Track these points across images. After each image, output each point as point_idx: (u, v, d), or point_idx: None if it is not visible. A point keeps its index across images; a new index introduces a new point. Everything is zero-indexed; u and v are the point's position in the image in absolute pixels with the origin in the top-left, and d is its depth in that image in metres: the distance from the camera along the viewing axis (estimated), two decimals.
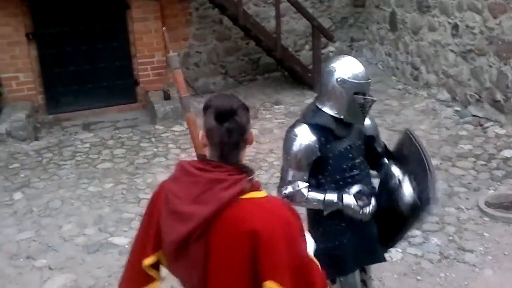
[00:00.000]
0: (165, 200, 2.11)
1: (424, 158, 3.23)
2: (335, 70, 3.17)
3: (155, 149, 7.47)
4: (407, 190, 3.25)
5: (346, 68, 3.16)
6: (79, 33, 8.78)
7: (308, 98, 8.74)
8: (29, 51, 8.68)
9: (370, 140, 3.43)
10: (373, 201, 3.35)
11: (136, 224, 5.49)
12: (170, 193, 2.10)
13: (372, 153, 3.48)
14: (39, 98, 8.83)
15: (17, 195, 6.33)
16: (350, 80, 3.12)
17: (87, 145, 7.74)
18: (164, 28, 3.89)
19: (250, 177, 2.08)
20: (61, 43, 8.74)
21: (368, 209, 3.31)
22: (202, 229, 1.99)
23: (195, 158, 2.25)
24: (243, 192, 2.02)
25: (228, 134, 2.03)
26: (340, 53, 10.17)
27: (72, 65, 8.84)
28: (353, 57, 3.38)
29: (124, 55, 9.05)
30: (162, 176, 6.44)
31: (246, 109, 2.11)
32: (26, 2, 8.55)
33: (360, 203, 3.27)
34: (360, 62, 3.25)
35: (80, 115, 8.72)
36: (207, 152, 2.15)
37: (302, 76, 9.52)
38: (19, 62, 8.61)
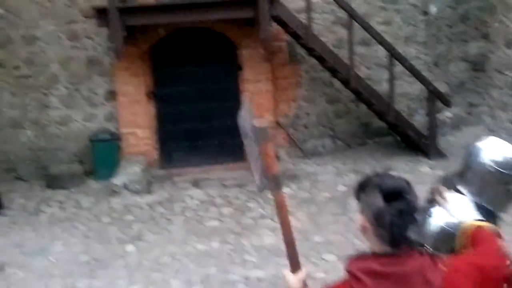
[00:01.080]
0: None
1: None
2: (485, 154, 2.85)
3: (262, 211, 7.43)
4: None
5: (498, 154, 2.84)
6: (194, 93, 9.18)
7: (423, 166, 8.41)
8: (148, 108, 9.16)
9: None
10: None
11: (241, 287, 5.44)
12: None
13: None
14: (154, 153, 9.22)
15: (130, 247, 6.51)
16: (504, 171, 2.78)
17: (196, 201, 7.87)
18: (246, 94, 3.80)
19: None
20: (177, 102, 9.16)
21: None
22: None
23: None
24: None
25: (399, 215, 1.87)
26: (458, 119, 9.76)
27: (186, 123, 9.21)
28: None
29: (235, 115, 9.24)
30: (269, 239, 6.38)
31: (411, 186, 1.96)
32: (148, 64, 9.11)
33: None
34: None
35: (190, 171, 8.94)
36: (367, 239, 1.96)
37: (416, 142, 9.17)
38: (138, 119, 9.11)
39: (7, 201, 8.16)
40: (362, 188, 1.95)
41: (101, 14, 8.25)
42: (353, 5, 8.81)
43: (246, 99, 3.19)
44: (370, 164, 8.82)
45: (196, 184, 8.53)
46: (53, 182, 8.80)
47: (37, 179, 9.21)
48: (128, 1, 8.82)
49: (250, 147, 2.65)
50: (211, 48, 9.23)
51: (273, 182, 2.35)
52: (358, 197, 1.96)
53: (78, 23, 9.16)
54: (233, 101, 9.20)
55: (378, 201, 1.87)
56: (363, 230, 1.95)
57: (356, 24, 8.62)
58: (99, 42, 9.20)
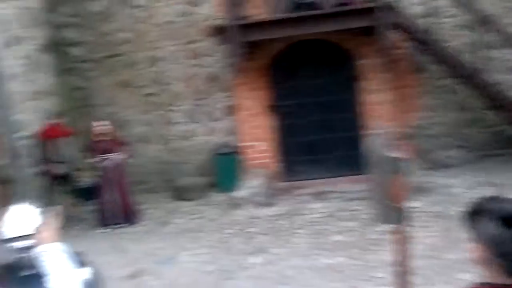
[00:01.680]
0: None
1: None
2: None
3: (388, 225, 7.11)
4: None
5: None
6: (313, 105, 9.11)
7: None
8: (268, 121, 9.24)
9: None
10: None
11: None
12: None
13: None
14: (275, 166, 9.26)
15: (254, 259, 6.51)
16: None
17: (318, 215, 7.75)
18: (379, 121, 3.61)
19: None
20: (297, 114, 9.15)
21: None
22: None
23: None
24: None
25: None
26: None
27: (306, 135, 9.16)
28: None
29: (355, 126, 9.07)
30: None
31: None
32: (267, 77, 9.21)
33: None
34: None
35: (311, 184, 8.86)
36: (482, 269, 1.78)
37: None
38: (259, 132, 9.23)
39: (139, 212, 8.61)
40: (476, 214, 1.77)
41: (220, 32, 8.49)
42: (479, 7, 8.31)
43: (379, 126, 3.04)
44: (508, 177, 8.14)
45: (318, 197, 8.42)
46: (179, 194, 9.17)
47: (165, 191, 9.65)
48: (245, 17, 8.99)
49: (378, 175, 2.52)
50: (327, 59, 9.14)
51: (397, 215, 2.19)
52: (471, 224, 1.77)
53: (197, 42, 9.52)
54: (352, 112, 9.06)
55: (496, 228, 1.68)
56: (478, 260, 1.76)
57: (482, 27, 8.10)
58: (218, 59, 9.47)
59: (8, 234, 2.62)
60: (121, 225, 8.17)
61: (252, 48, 8.70)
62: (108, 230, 8.13)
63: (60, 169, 8.51)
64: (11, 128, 5.91)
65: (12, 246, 2.61)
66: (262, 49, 9.07)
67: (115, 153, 8.32)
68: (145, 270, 6.56)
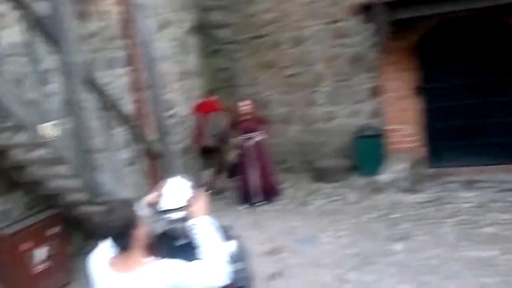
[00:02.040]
0: None
1: None
2: None
3: None
4: None
5: None
6: (467, 87, 8.51)
7: None
8: (415, 104, 8.84)
9: None
10: None
11: None
12: None
13: None
14: (421, 151, 8.86)
15: (397, 246, 6.31)
16: None
17: (469, 205, 7.29)
18: None
19: None
20: (448, 97, 8.63)
21: None
22: None
23: None
24: None
25: None
26: None
27: (457, 119, 8.62)
28: None
29: None
30: None
31: None
32: (415, 57, 8.77)
33: None
34: None
35: (462, 171, 8.33)
36: None
37: None
38: (405, 115, 8.86)
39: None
40: None
41: (365, 10, 8.22)
42: None
43: None
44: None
45: (469, 185, 7.90)
46: (319, 175, 9.15)
47: (304, 172, 9.70)
48: None
49: None
50: (485, 38, 8.45)
51: None
52: None
53: (342, 21, 9.30)
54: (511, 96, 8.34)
55: None
56: None
57: None
58: (364, 38, 9.20)
59: (163, 206, 2.75)
60: (261, 202, 8.34)
61: (399, 27, 8.28)
62: (249, 206, 8.35)
63: (211, 143, 8.92)
64: (161, 106, 6.25)
65: (167, 217, 2.73)
66: (410, 28, 8.60)
67: (257, 133, 8.48)
68: (285, 248, 6.65)
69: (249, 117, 8.50)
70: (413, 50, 8.82)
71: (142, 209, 2.59)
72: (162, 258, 2.62)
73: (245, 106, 8.52)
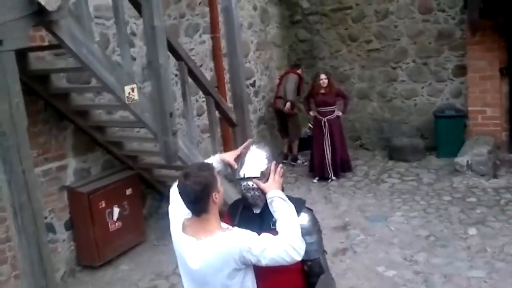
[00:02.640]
0: None
1: None
2: None
3: None
4: None
5: None
6: None
7: None
8: (500, 86, 8.43)
9: None
10: None
11: None
12: None
13: None
14: (503, 135, 8.48)
15: (472, 231, 6.12)
16: None
17: None
18: None
19: None
20: None
21: None
22: None
23: None
24: None
25: None
26: None
27: None
28: None
29: None
30: None
31: None
32: (504, 38, 8.31)
33: None
34: None
35: None
36: None
37: None
38: (488, 96, 8.47)
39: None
40: None
41: None
42: None
43: None
44: None
45: None
46: (395, 153, 8.96)
47: (379, 149, 9.57)
48: None
49: None
50: None
51: None
52: None
53: None
54: None
55: None
56: None
57: None
58: (452, 14, 8.83)
59: (241, 173, 2.78)
60: (334, 178, 8.29)
61: (491, 4, 7.87)
62: (321, 181, 8.32)
63: (282, 106, 8.94)
64: (240, 75, 6.29)
65: (244, 185, 2.76)
66: (503, 5, 8.15)
67: (334, 106, 8.39)
68: (356, 224, 6.62)
69: (327, 90, 8.35)
70: (501, 30, 8.35)
71: (220, 173, 2.60)
72: (237, 226, 2.65)
73: (324, 79, 8.37)
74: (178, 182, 2.56)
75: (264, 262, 2.47)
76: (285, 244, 2.49)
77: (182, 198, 2.54)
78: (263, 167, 2.76)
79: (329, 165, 8.30)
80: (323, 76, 8.43)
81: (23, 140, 3.53)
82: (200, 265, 2.50)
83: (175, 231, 2.66)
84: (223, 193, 2.65)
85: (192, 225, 2.58)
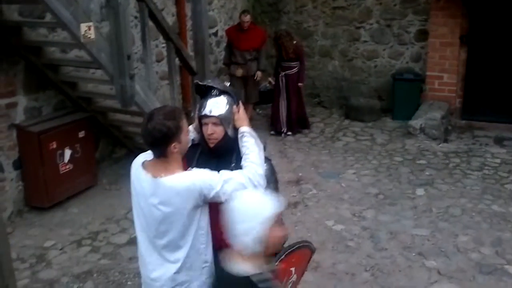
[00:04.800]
0: None
1: None
2: None
3: None
4: None
5: None
6: None
7: None
8: (459, 53, 8.56)
9: None
10: None
11: None
12: None
13: None
14: (457, 102, 8.68)
15: (420, 191, 6.31)
16: None
17: (498, 160, 7.19)
18: None
19: None
20: (491, 50, 8.30)
21: None
22: None
23: None
24: None
25: None
26: None
27: (498, 73, 8.31)
28: None
29: None
30: None
31: None
32: (467, 6, 8.37)
33: None
34: None
35: (494, 126, 8.19)
36: None
37: None
38: (447, 63, 8.60)
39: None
40: None
41: None
42: None
43: None
44: None
45: (499, 141, 7.78)
46: (351, 113, 9.06)
47: (337, 108, 9.65)
48: None
49: None
50: None
51: None
52: None
53: None
54: None
55: None
56: None
57: None
58: None
59: (208, 111, 2.76)
60: (290, 133, 8.33)
61: None
62: (277, 135, 8.35)
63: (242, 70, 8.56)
64: (202, 22, 6.13)
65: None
66: None
67: (294, 63, 8.31)
68: (309, 179, 6.72)
69: (288, 46, 8.12)
70: None
71: (182, 118, 2.59)
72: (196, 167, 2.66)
73: (285, 35, 8.20)
74: (142, 124, 2.56)
75: (223, 197, 2.51)
76: (245, 179, 2.55)
77: (142, 137, 2.56)
78: (226, 106, 2.76)
79: (283, 120, 8.31)
80: (285, 32, 8.35)
81: None
82: (160, 200, 2.50)
83: (134, 168, 2.66)
84: (187, 142, 2.65)
85: (152, 165, 2.59)
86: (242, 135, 2.73)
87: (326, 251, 5.05)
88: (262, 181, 2.62)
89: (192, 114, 2.87)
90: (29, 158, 5.70)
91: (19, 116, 5.69)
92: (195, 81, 2.90)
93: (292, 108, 8.31)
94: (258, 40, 8.30)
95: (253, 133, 2.76)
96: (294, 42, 8.28)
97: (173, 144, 2.50)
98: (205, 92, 2.82)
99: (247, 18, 8.15)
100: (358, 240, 5.26)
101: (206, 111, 2.75)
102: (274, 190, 2.83)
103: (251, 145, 2.69)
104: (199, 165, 2.72)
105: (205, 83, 2.84)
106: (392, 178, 6.71)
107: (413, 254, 5.02)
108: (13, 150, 5.67)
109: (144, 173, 2.57)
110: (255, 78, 8.44)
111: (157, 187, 2.50)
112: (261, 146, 2.75)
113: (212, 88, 2.81)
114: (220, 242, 2.64)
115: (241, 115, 2.81)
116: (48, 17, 5.62)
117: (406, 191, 6.32)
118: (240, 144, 2.72)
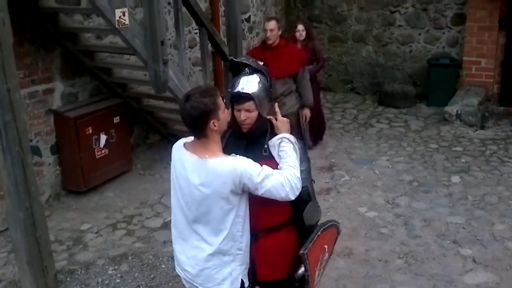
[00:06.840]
0: None
1: None
2: None
3: None
4: None
5: None
6: None
7: None
8: (497, 38, 8.33)
9: None
10: None
11: None
12: None
13: None
14: (494, 87, 8.46)
15: (455, 179, 6.20)
16: None
17: None
18: None
19: None
20: None
21: None
22: None
23: None
24: None
25: None
26: None
27: None
28: None
29: None
30: None
31: None
32: None
33: None
34: None
35: None
36: None
37: None
38: (485, 47, 8.38)
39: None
40: None
41: None
42: None
43: None
44: None
45: None
46: (385, 99, 8.94)
47: (370, 94, 9.53)
48: None
49: None
50: None
51: None
52: None
53: None
54: None
55: None
56: None
57: None
58: None
59: (241, 88, 2.78)
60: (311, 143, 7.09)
61: None
62: None
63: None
64: (236, 8, 6.11)
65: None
66: None
67: (310, 66, 6.64)
68: (341, 166, 6.67)
69: (303, 44, 6.85)
70: None
71: (218, 95, 2.60)
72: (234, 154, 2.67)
73: (300, 30, 6.82)
74: (180, 104, 2.58)
75: (261, 191, 2.57)
76: (284, 179, 2.59)
77: (182, 119, 2.57)
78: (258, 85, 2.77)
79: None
80: (300, 27, 6.87)
81: (8, 57, 3.44)
82: (201, 181, 2.53)
83: (176, 149, 2.70)
84: (226, 119, 2.67)
85: (193, 146, 2.62)
86: (281, 141, 2.75)
87: (358, 238, 5.02)
88: (299, 184, 2.65)
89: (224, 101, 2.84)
90: (65, 143, 5.81)
91: (56, 102, 5.80)
92: (230, 57, 2.90)
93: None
94: (295, 62, 6.05)
95: (292, 139, 2.77)
96: (313, 42, 7.10)
97: (212, 121, 2.51)
98: (239, 70, 2.83)
99: (272, 25, 5.95)
100: (391, 227, 5.21)
101: (239, 88, 2.76)
102: (306, 170, 2.87)
103: (289, 150, 2.71)
104: (228, 147, 2.76)
105: (239, 60, 2.87)
106: (426, 165, 6.61)
107: (448, 242, 4.94)
108: (50, 135, 5.78)
109: (188, 154, 2.60)
110: (301, 119, 6.36)
111: (201, 168, 2.53)
112: (298, 152, 2.76)
113: (246, 65, 2.83)
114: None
115: (279, 124, 2.83)
116: (84, 4, 5.69)
117: (441, 179, 6.21)
118: (279, 149, 2.74)
